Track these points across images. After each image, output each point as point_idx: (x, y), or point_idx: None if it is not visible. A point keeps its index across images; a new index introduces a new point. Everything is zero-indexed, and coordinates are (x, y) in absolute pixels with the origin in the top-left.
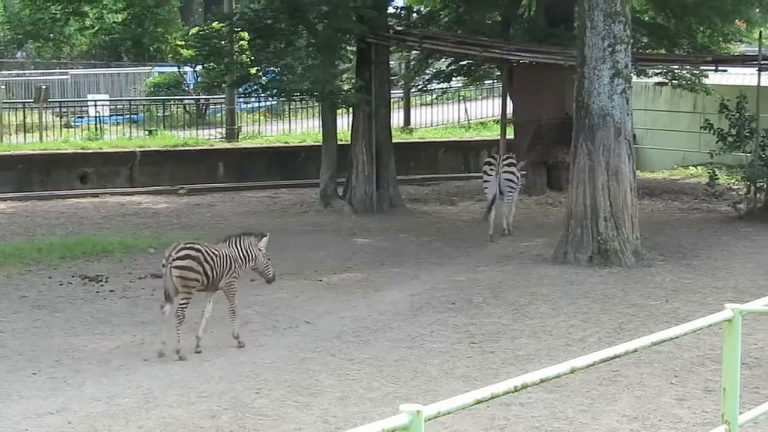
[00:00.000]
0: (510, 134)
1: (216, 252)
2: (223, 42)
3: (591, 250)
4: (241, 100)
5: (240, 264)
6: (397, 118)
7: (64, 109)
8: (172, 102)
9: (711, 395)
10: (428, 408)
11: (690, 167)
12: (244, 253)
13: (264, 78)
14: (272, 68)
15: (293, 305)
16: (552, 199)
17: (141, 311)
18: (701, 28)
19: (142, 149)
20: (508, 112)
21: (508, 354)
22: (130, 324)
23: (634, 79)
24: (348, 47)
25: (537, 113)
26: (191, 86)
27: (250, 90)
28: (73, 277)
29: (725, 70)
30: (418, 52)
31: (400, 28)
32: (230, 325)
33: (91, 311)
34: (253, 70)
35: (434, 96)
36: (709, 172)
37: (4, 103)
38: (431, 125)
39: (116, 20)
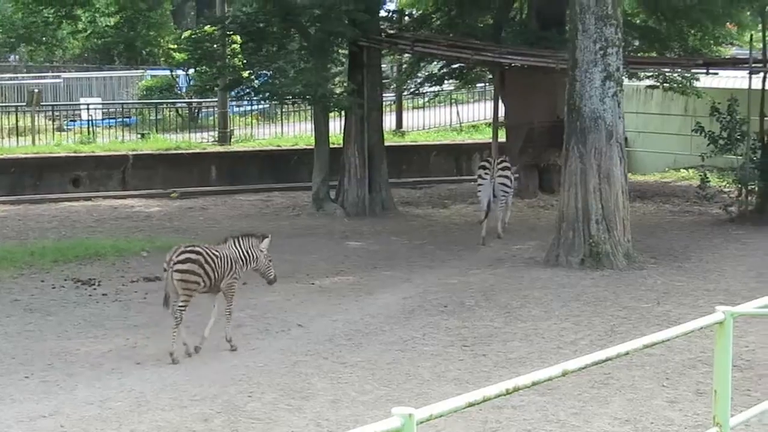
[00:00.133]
0: (502, 137)
1: (216, 253)
2: (215, 45)
3: (583, 253)
4: (234, 103)
5: (241, 265)
6: (389, 121)
7: (56, 113)
8: (165, 105)
9: (702, 398)
10: (420, 411)
11: (681, 170)
12: (245, 253)
13: (256, 81)
14: (264, 71)
15: (285, 308)
16: (544, 202)
17: (133, 314)
18: (692, 31)
19: (134, 153)
20: (500, 115)
21: (500, 357)
22: (122, 327)
23: (626, 82)
24: (340, 50)
25: (529, 116)
26: (184, 90)
27: (242, 93)
28: (65, 280)
29: (716, 73)
30: (410, 55)
31: (392, 32)
32: (224, 327)
33: (84, 315)
34: (246, 74)
35: (426, 99)
36: (700, 175)
37: None
38: (423, 128)
39: (109, 24)
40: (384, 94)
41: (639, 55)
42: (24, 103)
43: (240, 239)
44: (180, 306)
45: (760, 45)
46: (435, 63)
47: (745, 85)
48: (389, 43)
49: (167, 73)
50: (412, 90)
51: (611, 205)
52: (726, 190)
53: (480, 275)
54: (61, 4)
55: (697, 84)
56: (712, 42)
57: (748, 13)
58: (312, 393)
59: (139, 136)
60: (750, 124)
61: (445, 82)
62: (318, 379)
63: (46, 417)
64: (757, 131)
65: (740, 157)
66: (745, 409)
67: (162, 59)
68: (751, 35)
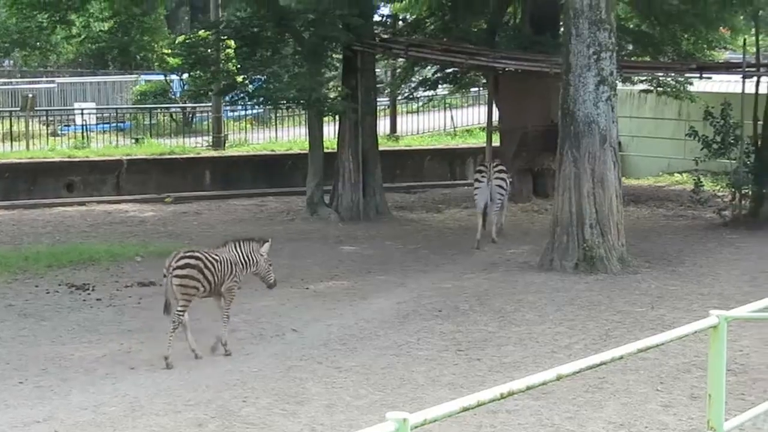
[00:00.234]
0: (496, 142)
1: (216, 257)
2: (209, 50)
3: (577, 257)
4: (228, 108)
5: (241, 268)
6: (383, 125)
7: (50, 118)
8: (159, 110)
9: (697, 402)
10: (415, 416)
11: (675, 174)
12: (245, 257)
13: (250, 86)
14: (258, 76)
15: (280, 313)
16: (538, 206)
17: (128, 319)
18: (686, 36)
19: (128, 157)
20: (493, 119)
21: (495, 361)
22: (116, 332)
23: (619, 86)
24: (334, 55)
25: (523, 121)
26: (178, 94)
27: (236, 98)
28: (59, 285)
29: (710, 78)
30: (404, 59)
31: (386, 36)
32: (220, 331)
33: (78, 320)
34: (240, 78)
35: (420, 104)
36: (694, 179)
37: None
38: (417, 133)
39: (103, 29)
40: (378, 99)
41: (632, 59)
42: (18, 108)
43: (240, 243)
44: (178, 311)
45: (753, 49)
46: (429, 67)
47: (739, 89)
48: (383, 48)
49: (161, 77)
50: (406, 94)
51: (605, 209)
52: (720, 194)
53: (474, 279)
54: (55, 9)
55: (690, 88)
56: (705, 46)
57: (741, 17)
58: (306, 398)
59: (133, 140)
60: (743, 128)
61: (439, 86)
62: (312, 383)
63: (40, 422)
64: (750, 135)
65: (734, 162)
66: (739, 413)
67: (156, 64)
68: (744, 39)
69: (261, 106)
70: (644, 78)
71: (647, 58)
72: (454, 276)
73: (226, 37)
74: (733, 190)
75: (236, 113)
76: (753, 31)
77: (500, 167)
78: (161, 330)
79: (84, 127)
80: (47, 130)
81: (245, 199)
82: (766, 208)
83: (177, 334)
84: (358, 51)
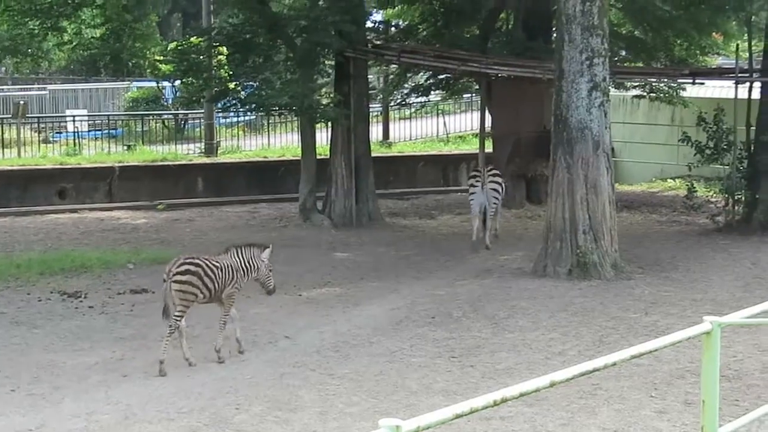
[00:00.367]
0: (489, 148)
1: (217, 264)
2: (201, 57)
3: (570, 264)
4: (220, 114)
5: (242, 275)
6: (376, 132)
7: (42, 125)
8: (151, 117)
9: (691, 408)
10: (408, 423)
11: (668, 180)
12: (247, 263)
13: (243, 93)
14: (251, 83)
15: (273, 320)
16: (531, 212)
17: (120, 327)
18: (678, 41)
19: (120, 164)
20: (486, 125)
21: (488, 368)
22: (109, 340)
23: (612, 92)
24: (326, 61)
25: (516, 127)
26: (170, 101)
27: (228, 105)
28: (51, 293)
29: (702, 83)
30: (396, 66)
31: (378, 42)
32: (215, 337)
33: (70, 327)
34: (232, 85)
35: (413, 110)
36: (687, 185)
37: None
38: (410, 139)
39: (94, 35)
40: (371, 105)
41: (625, 65)
42: (10, 115)
43: (242, 249)
44: (176, 316)
45: (746, 55)
46: (422, 74)
47: (732, 95)
48: (375, 54)
49: (153, 84)
50: (398, 101)
51: (598, 215)
52: (713, 199)
53: (467, 286)
54: (47, 16)
55: (683, 94)
56: (698, 52)
57: (734, 23)
58: (299, 405)
59: (125, 147)
60: (736, 134)
61: (432, 92)
62: (305, 391)
63: (32, 430)
64: (743, 141)
65: (727, 167)
66: (733, 419)
67: (148, 71)
68: (737, 45)
69: (253, 112)
70: (637, 83)
71: (640, 64)
72: (448, 282)
73: (218, 44)
74: (726, 195)
75: (228, 120)
76: (745, 36)
77: (494, 171)
78: (154, 337)
79: (76, 134)
80: (39, 137)
81: (238, 206)
82: (759, 213)
83: (172, 339)
84: (351, 57)
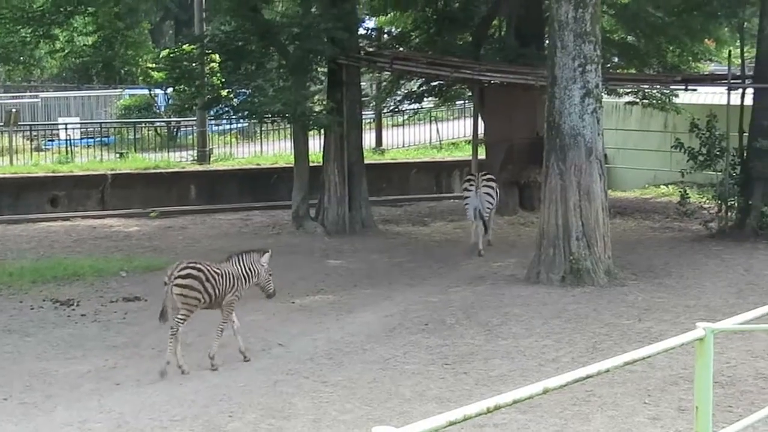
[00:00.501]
0: (482, 154)
1: (218, 270)
2: (194, 64)
3: (563, 270)
4: (213, 122)
5: (243, 282)
6: (368, 139)
7: (34, 133)
8: (144, 124)
9: (684, 414)
10: (401, 430)
11: (661, 186)
12: (248, 270)
13: (235, 100)
14: (243, 90)
15: (266, 327)
16: (524, 219)
17: (113, 335)
18: (671, 48)
19: (113, 172)
20: (479, 132)
21: (482, 375)
22: (101, 348)
23: (605, 98)
24: (319, 69)
25: (508, 133)
26: (162, 108)
27: (221, 112)
28: (44, 301)
29: (695, 90)
30: (389, 73)
31: (371, 49)
32: (210, 344)
33: (63, 335)
34: (225, 92)
35: (406, 117)
36: (680, 191)
37: None
38: (403, 146)
39: (87, 43)
40: (363, 112)
41: (618, 71)
42: (2, 123)
43: (242, 256)
44: (179, 319)
45: (738, 61)
46: (414, 81)
47: (724, 101)
48: (368, 61)
49: (146, 92)
50: (391, 108)
51: (591, 221)
52: (706, 206)
53: (461, 293)
54: (39, 24)
55: (676, 100)
56: (690, 58)
57: (726, 29)
58: (293, 412)
59: (117, 155)
60: (729, 140)
61: (425, 99)
62: (299, 398)
63: None
64: (736, 147)
65: (720, 173)
66: (726, 425)
67: (140, 78)
68: (730, 51)
69: (246, 120)
70: (630, 90)
71: (633, 71)
72: (441, 289)
73: (210, 51)
74: (719, 201)
75: (221, 127)
76: (738, 43)
77: (488, 176)
78: (146, 346)
79: (68, 141)
80: (31, 144)
81: (230, 214)
82: (752, 219)
83: (173, 342)
84: (343, 64)
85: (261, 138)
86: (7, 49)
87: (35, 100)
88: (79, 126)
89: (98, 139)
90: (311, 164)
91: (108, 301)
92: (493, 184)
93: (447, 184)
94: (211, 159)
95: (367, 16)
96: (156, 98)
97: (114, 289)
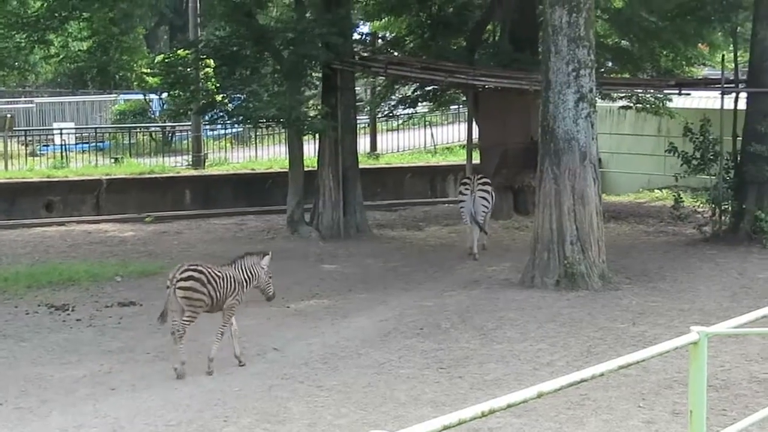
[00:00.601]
0: (476, 159)
1: (219, 274)
2: (188, 69)
3: (558, 274)
4: (208, 127)
5: (244, 286)
6: (363, 143)
7: (29, 138)
8: (138, 130)
9: (678, 418)
10: None
11: (655, 190)
12: (248, 273)
13: (230, 105)
14: (238, 95)
15: (261, 332)
16: (518, 223)
17: (108, 340)
18: (664, 52)
19: (108, 177)
20: (474, 136)
21: (477, 379)
22: (97, 353)
23: (599, 103)
24: (314, 73)
25: (503, 138)
26: (157, 114)
27: (216, 117)
28: (39, 306)
29: (689, 94)
30: (383, 77)
31: (365, 54)
32: (209, 346)
33: (58, 340)
34: (219, 97)
35: (400, 121)
36: (674, 195)
37: None
38: (398, 150)
39: (81, 48)
40: (358, 117)
41: (612, 76)
42: None
43: (244, 260)
44: (184, 320)
45: (732, 65)
46: (408, 85)
47: (718, 106)
48: (363, 66)
49: (140, 97)
50: (386, 112)
51: (586, 226)
52: (700, 210)
53: (455, 297)
54: (34, 29)
55: (669, 104)
56: (684, 63)
57: (720, 34)
58: (288, 417)
59: (112, 160)
60: (723, 144)
61: (419, 104)
62: (294, 403)
63: None
64: (729, 151)
65: (713, 177)
66: (721, 429)
67: (135, 83)
68: (723, 56)
69: (241, 124)
70: (623, 94)
71: (626, 75)
72: (436, 294)
73: (205, 56)
74: (713, 205)
75: (216, 132)
76: (731, 47)
77: (484, 180)
78: (142, 350)
79: (63, 147)
80: (26, 150)
81: (225, 218)
82: (746, 223)
83: (182, 344)
84: (338, 69)
85: (256, 143)
86: (1, 55)
87: (30, 105)
88: (74, 131)
89: (93, 144)
90: (306, 169)
91: (103, 305)
92: (489, 188)
93: (442, 189)
94: (206, 164)
95: (362, 21)
96: (151, 103)
97: (109, 294)
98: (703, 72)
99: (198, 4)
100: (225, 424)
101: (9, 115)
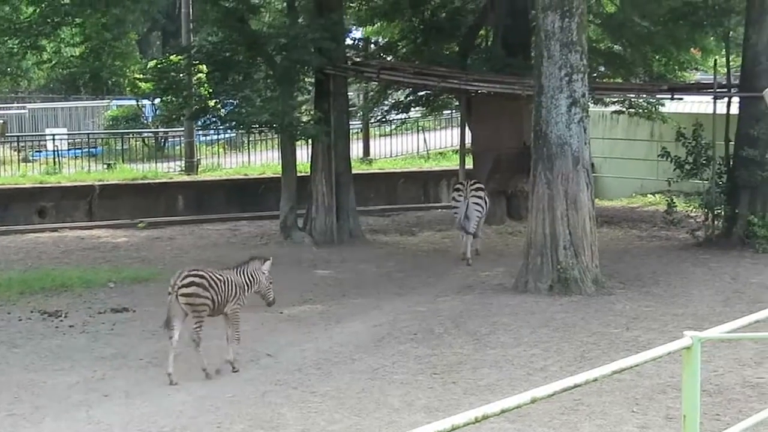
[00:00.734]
0: (469, 164)
1: (220, 277)
2: (181, 75)
3: (551, 279)
4: (200, 132)
5: (246, 290)
6: (356, 149)
7: (22, 144)
8: (131, 135)
9: (672, 423)
10: None
11: (648, 195)
12: (250, 278)
13: (223, 110)
14: (231, 100)
15: (254, 338)
16: (512, 228)
17: (101, 346)
18: (657, 57)
19: (101, 183)
20: (466, 141)
21: (470, 384)
22: (90, 359)
23: (592, 107)
24: (306, 79)
25: (496, 143)
26: (150, 119)
27: (208, 122)
28: (32, 312)
29: (681, 98)
30: (376, 83)
31: (358, 59)
32: (230, 352)
33: (51, 346)
34: (212, 103)
35: (393, 127)
36: (667, 200)
37: None
38: (390, 156)
39: (74, 54)
40: (351, 122)
41: (604, 80)
42: None
43: (246, 265)
44: (195, 328)
45: (724, 70)
46: (401, 90)
47: (710, 110)
48: (355, 71)
49: (133, 102)
50: (378, 117)
51: (579, 230)
52: (692, 214)
53: (449, 302)
54: (26, 35)
55: (662, 109)
56: (676, 67)
57: (712, 38)
58: (281, 423)
59: (105, 166)
60: (715, 149)
61: (412, 109)
62: (287, 408)
63: None
64: (722, 156)
65: (706, 182)
66: None
67: (128, 89)
68: (715, 60)
69: (233, 130)
70: (616, 99)
71: (619, 80)
72: (429, 299)
73: (198, 62)
74: (705, 210)
75: (209, 138)
76: (723, 52)
77: (477, 185)
78: (135, 357)
79: (56, 152)
80: (19, 156)
81: (218, 224)
82: (739, 228)
83: (201, 349)
84: (330, 74)
85: (248, 148)
86: None
87: (22, 111)
88: (66, 137)
89: (86, 149)
90: (299, 174)
91: (96, 312)
92: (482, 194)
93: (434, 194)
94: (199, 169)
95: (354, 27)
96: (143, 109)
97: (102, 300)
98: (695, 76)
99: (191, 10)
100: (218, 430)
101: (1, 121)
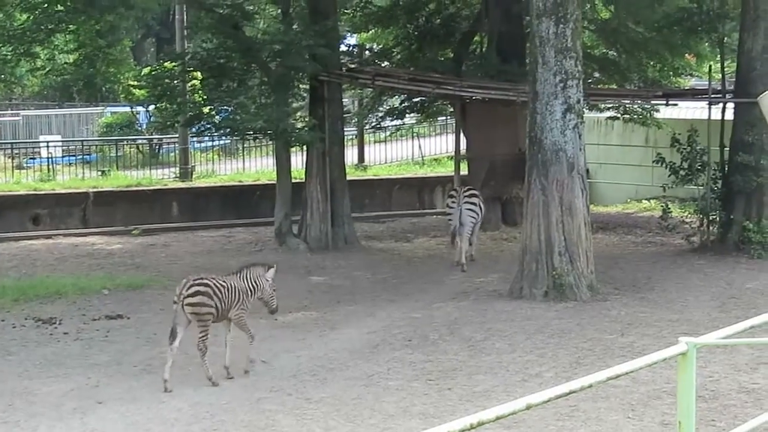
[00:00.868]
0: (464, 170)
1: (224, 284)
2: (175, 81)
3: (546, 285)
4: (195, 139)
5: (248, 296)
6: (351, 155)
7: (15, 151)
8: (125, 142)
9: (668, 428)
10: None
11: (643, 201)
12: (253, 284)
13: (217, 117)
14: (225, 107)
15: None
16: (507, 234)
17: (95, 353)
18: (652, 63)
19: (95, 190)
20: (461, 148)
21: (465, 390)
22: (84, 366)
23: (586, 113)
24: (301, 85)
25: (490, 149)
26: (144, 126)
27: (203, 129)
28: (26, 319)
29: (676, 104)
30: (371, 89)
31: (352, 66)
32: (246, 356)
33: (45, 354)
34: (206, 109)
35: (388, 133)
36: (662, 206)
37: None
38: (385, 162)
39: (68, 61)
40: (345, 128)
41: (599, 86)
42: None
43: (249, 270)
44: (200, 337)
45: (719, 76)
46: (396, 97)
47: (705, 116)
48: (350, 78)
49: (127, 109)
50: (373, 124)
51: (574, 236)
52: (688, 220)
53: (444, 308)
54: (20, 42)
55: (657, 115)
56: (671, 73)
57: (707, 44)
58: (276, 430)
59: (99, 173)
60: (710, 155)
61: (407, 115)
62: (282, 415)
63: None
64: (717, 161)
65: (701, 188)
66: None
67: (122, 96)
68: (710, 66)
69: (228, 137)
70: (611, 105)
71: (614, 86)
72: (424, 305)
73: (192, 69)
74: (700, 216)
75: (203, 144)
76: (718, 57)
77: (472, 192)
78: (129, 364)
79: (50, 159)
80: (12, 163)
81: (213, 231)
82: (734, 233)
83: (206, 357)
84: (325, 81)
85: (243, 155)
86: None
87: (16, 118)
88: (60, 144)
89: (80, 156)
90: (294, 181)
91: (90, 319)
92: (476, 200)
93: (429, 200)
94: (194, 176)
95: (349, 33)
96: (138, 116)
97: (96, 307)
98: (690, 82)
99: (185, 17)
100: None
101: None
